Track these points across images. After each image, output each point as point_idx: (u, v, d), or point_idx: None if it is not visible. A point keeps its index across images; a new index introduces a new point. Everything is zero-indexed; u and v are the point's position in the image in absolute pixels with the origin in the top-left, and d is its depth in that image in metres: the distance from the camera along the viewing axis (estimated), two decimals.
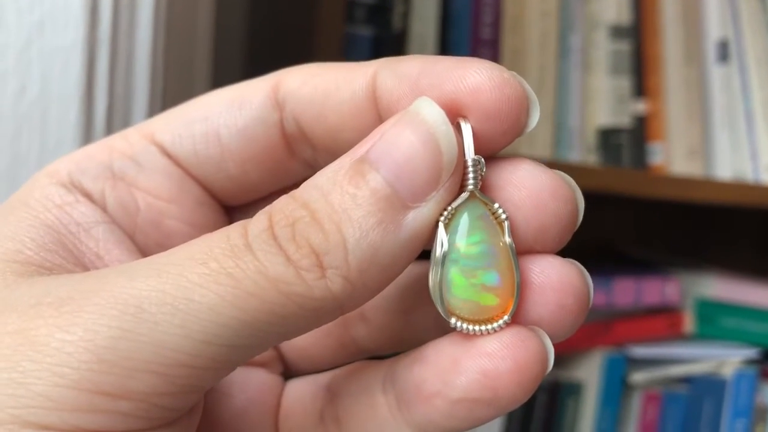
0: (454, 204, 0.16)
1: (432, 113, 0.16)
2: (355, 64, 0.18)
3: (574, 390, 0.80)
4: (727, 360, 0.84)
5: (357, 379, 0.19)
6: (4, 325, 0.15)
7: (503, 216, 0.17)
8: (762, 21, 0.84)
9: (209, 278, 0.15)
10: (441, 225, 0.16)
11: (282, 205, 0.16)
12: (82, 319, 0.14)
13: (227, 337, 0.15)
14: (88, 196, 0.19)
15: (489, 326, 0.17)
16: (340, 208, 0.15)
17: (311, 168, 0.20)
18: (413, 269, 0.20)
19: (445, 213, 0.16)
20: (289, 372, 0.22)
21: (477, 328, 0.17)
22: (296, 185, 0.17)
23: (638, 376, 0.80)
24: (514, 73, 0.17)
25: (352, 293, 0.15)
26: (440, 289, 0.17)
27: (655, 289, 0.83)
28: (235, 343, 0.15)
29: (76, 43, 0.27)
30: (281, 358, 0.22)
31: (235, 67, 0.78)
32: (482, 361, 0.16)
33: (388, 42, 0.70)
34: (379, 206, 0.15)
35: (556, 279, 0.17)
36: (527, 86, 0.17)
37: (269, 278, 0.15)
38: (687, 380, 0.83)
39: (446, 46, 0.72)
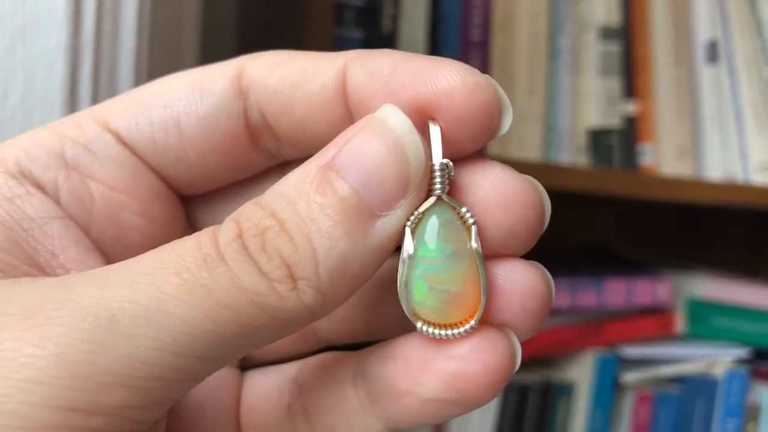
0: (421, 209, 0.16)
1: (399, 122, 0.16)
2: (323, 55, 0.18)
3: (566, 391, 0.80)
4: (719, 360, 0.84)
5: (327, 372, 0.19)
6: None
7: (471, 220, 0.17)
8: (751, 21, 0.84)
9: (183, 289, 0.14)
10: (408, 230, 0.16)
11: (249, 213, 0.16)
12: (51, 332, 0.14)
13: (199, 349, 0.14)
14: (39, 187, 0.18)
15: (455, 331, 0.17)
16: (308, 218, 0.15)
17: (274, 159, 0.19)
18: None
19: (412, 218, 0.16)
20: (247, 363, 0.21)
21: (443, 332, 0.17)
22: (257, 177, 0.17)
23: (630, 377, 0.80)
24: (488, 77, 0.17)
25: (323, 303, 0.15)
26: (405, 293, 0.17)
27: (646, 290, 0.83)
28: (207, 355, 0.15)
29: (59, 47, 0.26)
30: None
31: None
32: (452, 364, 0.16)
33: (378, 44, 0.70)
34: (347, 215, 0.15)
35: (520, 282, 0.17)
36: (500, 90, 0.17)
37: (243, 290, 0.15)
38: (678, 380, 0.84)
39: (436, 48, 0.72)
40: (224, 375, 0.20)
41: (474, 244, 0.17)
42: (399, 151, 0.16)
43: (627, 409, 0.82)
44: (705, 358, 0.83)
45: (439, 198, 0.17)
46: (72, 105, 0.27)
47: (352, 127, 0.16)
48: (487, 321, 0.17)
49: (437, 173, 0.17)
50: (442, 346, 0.17)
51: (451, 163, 0.17)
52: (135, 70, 0.29)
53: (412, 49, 0.71)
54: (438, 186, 0.17)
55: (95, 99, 0.28)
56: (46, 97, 0.27)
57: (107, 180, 0.18)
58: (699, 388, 0.83)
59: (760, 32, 0.84)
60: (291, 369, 0.20)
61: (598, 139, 0.79)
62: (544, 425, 0.79)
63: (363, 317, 0.20)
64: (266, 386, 0.20)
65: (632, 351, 0.80)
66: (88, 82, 0.28)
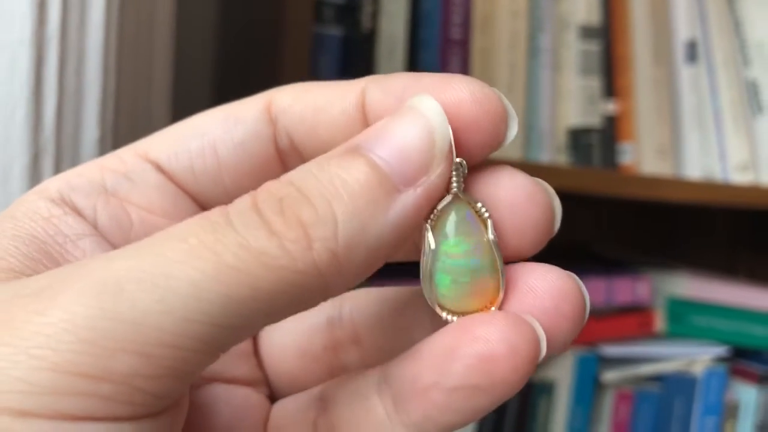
0: (440, 206, 0.17)
1: (430, 104, 0.17)
2: (344, 82, 0.19)
3: (546, 389, 0.80)
4: (698, 358, 0.84)
5: (351, 383, 0.19)
6: None
7: (486, 214, 0.17)
8: (729, 21, 0.85)
9: (189, 253, 0.14)
10: (428, 226, 0.17)
11: (267, 185, 0.16)
12: (58, 301, 0.14)
13: (210, 314, 0.14)
14: (77, 212, 0.19)
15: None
16: (330, 184, 0.16)
17: None
18: (408, 289, 0.20)
19: (431, 216, 0.17)
20: (274, 396, 0.21)
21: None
22: None
23: (610, 375, 0.80)
24: (495, 89, 0.18)
25: (338, 269, 0.15)
26: (430, 287, 0.17)
27: (626, 288, 0.83)
28: (219, 321, 0.14)
29: (24, 39, 0.26)
30: (267, 383, 0.21)
31: (201, 67, 0.77)
32: (478, 346, 0.16)
33: (358, 42, 0.69)
34: (370, 186, 0.16)
35: (555, 286, 0.17)
36: (506, 101, 0.18)
37: (251, 250, 0.15)
38: (658, 378, 0.84)
39: (416, 47, 0.72)
40: (253, 398, 0.21)
41: (491, 237, 0.17)
42: (426, 128, 0.16)
43: (607, 408, 0.82)
44: (684, 356, 0.84)
45: (455, 195, 0.17)
46: (36, 101, 0.26)
47: (379, 121, 0.17)
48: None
49: (453, 171, 0.17)
50: (466, 330, 0.17)
51: (464, 162, 0.18)
52: (103, 64, 0.28)
53: (391, 47, 0.71)
54: (454, 184, 0.17)
55: (61, 95, 0.27)
56: (9, 92, 0.26)
57: (146, 204, 0.19)
58: (678, 386, 0.84)
59: (739, 32, 0.85)
60: (316, 388, 0.20)
61: (578, 138, 0.79)
62: (524, 424, 0.79)
63: (396, 347, 0.20)
64: (292, 405, 0.20)
65: (612, 350, 0.80)
66: (54, 76, 0.27)
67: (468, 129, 0.17)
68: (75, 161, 0.29)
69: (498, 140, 0.18)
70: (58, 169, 0.28)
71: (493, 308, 0.17)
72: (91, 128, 0.28)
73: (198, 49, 0.76)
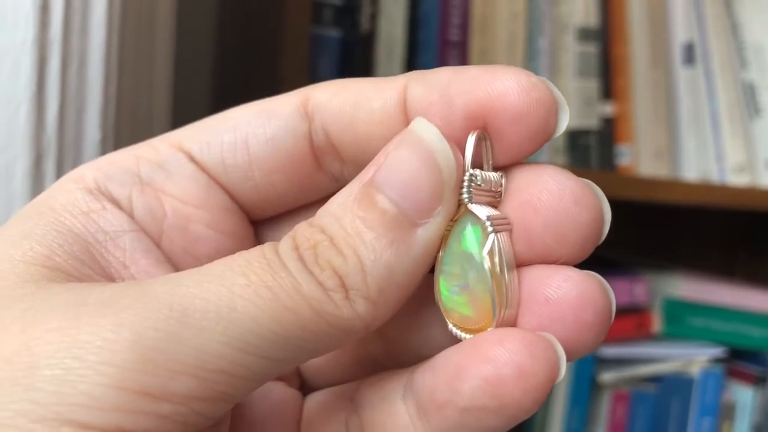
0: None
1: (428, 132, 0.17)
2: (384, 78, 0.19)
3: None
4: (695, 359, 0.85)
5: (379, 387, 0.19)
6: (45, 323, 0.15)
7: (489, 229, 0.17)
8: (726, 24, 0.85)
9: (250, 290, 0.15)
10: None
11: (301, 230, 0.17)
12: (126, 320, 0.14)
13: (263, 348, 0.15)
14: (115, 202, 0.19)
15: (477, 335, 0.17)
16: (354, 232, 0.16)
17: (337, 182, 0.20)
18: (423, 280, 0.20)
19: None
20: (305, 387, 0.22)
21: (468, 335, 0.17)
22: (322, 201, 0.18)
23: (607, 376, 0.81)
24: (544, 78, 0.17)
25: (375, 313, 0.16)
26: (437, 296, 0.18)
27: (624, 290, 0.83)
28: (270, 355, 0.15)
29: (27, 42, 0.26)
30: (298, 376, 0.22)
31: (201, 69, 0.77)
32: (485, 368, 0.16)
33: (356, 43, 0.70)
34: (389, 227, 0.16)
35: (573, 294, 0.16)
36: (556, 90, 0.17)
37: (304, 295, 0.15)
38: (655, 379, 0.84)
39: (414, 48, 0.72)
40: (287, 393, 0.21)
41: (485, 254, 0.17)
42: (430, 160, 0.16)
43: (604, 408, 0.83)
44: (681, 357, 0.84)
45: (465, 208, 0.17)
46: (39, 102, 0.27)
47: (391, 142, 0.17)
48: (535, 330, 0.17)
49: (464, 182, 0.17)
50: (476, 349, 0.16)
51: (478, 173, 0.17)
52: (105, 66, 0.28)
53: (390, 49, 0.71)
54: (465, 195, 0.17)
55: (63, 96, 0.27)
56: (12, 94, 0.26)
57: (179, 194, 0.19)
58: (675, 387, 0.84)
59: (736, 35, 0.85)
60: (350, 387, 0.20)
61: (576, 139, 0.79)
62: (521, 425, 0.79)
63: (419, 340, 0.20)
64: (325, 404, 0.21)
65: (609, 351, 0.81)
66: (56, 79, 0.27)
67: (516, 120, 0.17)
68: (77, 162, 0.29)
69: (548, 131, 0.17)
70: (60, 170, 0.28)
71: (489, 329, 0.17)
72: (93, 130, 0.29)
73: (198, 52, 0.77)
